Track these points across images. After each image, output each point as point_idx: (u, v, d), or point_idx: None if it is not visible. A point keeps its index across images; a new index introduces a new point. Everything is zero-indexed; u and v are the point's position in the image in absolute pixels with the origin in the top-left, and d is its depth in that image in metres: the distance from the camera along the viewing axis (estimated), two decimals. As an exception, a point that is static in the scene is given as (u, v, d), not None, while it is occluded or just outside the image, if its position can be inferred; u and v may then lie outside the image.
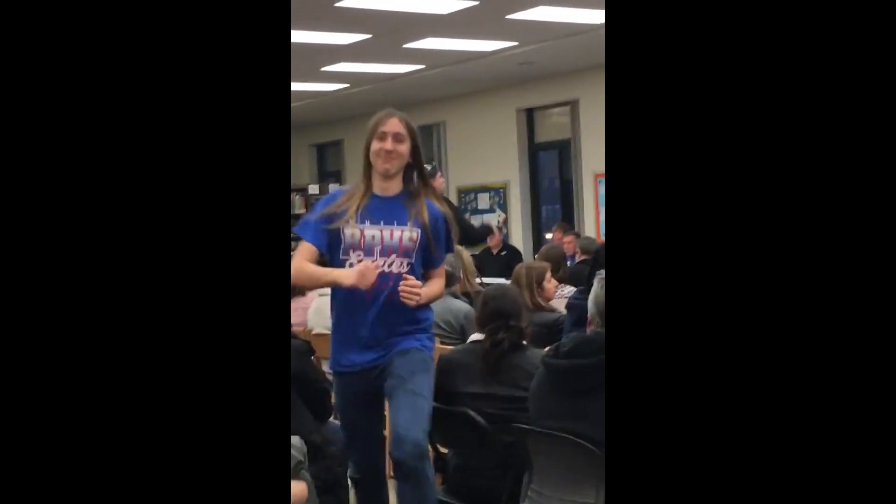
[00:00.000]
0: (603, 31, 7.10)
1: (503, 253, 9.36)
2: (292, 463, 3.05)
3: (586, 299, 2.87)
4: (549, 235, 10.90)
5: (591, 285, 2.89)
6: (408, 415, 3.17)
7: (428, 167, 6.93)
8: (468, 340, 3.68)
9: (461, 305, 5.11)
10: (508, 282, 4.97)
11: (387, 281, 3.24)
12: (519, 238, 11.65)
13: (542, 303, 4.79)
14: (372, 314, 3.27)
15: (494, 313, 3.45)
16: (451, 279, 5.22)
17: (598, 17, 8.10)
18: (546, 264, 5.07)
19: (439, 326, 5.00)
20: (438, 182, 7.00)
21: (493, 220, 11.64)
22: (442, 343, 4.76)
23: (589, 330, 2.84)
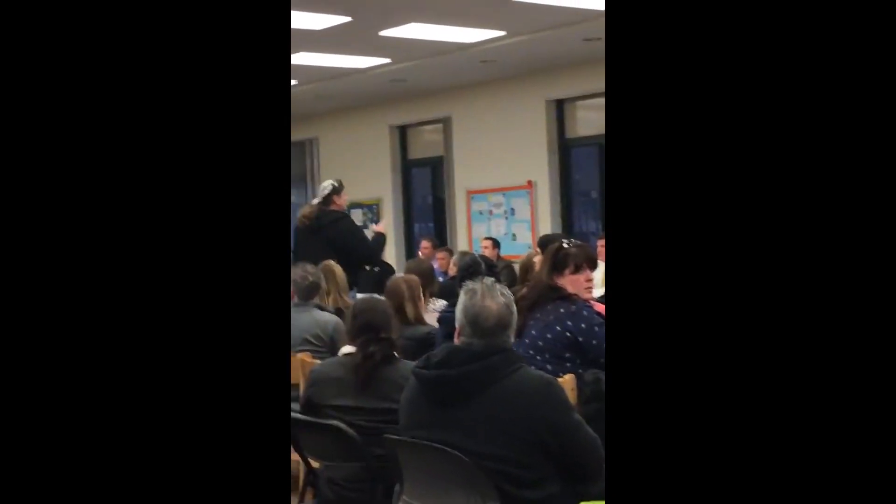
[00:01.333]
0: (472, 51, 7.14)
1: (376, 269, 9.35)
2: None
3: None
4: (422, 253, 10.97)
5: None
6: None
7: (334, 183, 6.91)
8: (339, 353, 3.67)
9: (329, 317, 5.10)
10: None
11: None
12: (392, 254, 11.67)
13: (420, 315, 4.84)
14: None
15: (365, 326, 3.45)
16: (315, 290, 5.21)
17: (468, 35, 8.21)
18: (417, 278, 5.10)
19: (309, 341, 4.98)
20: (343, 199, 6.97)
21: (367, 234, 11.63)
22: (312, 357, 4.74)
23: (458, 341, 2.87)
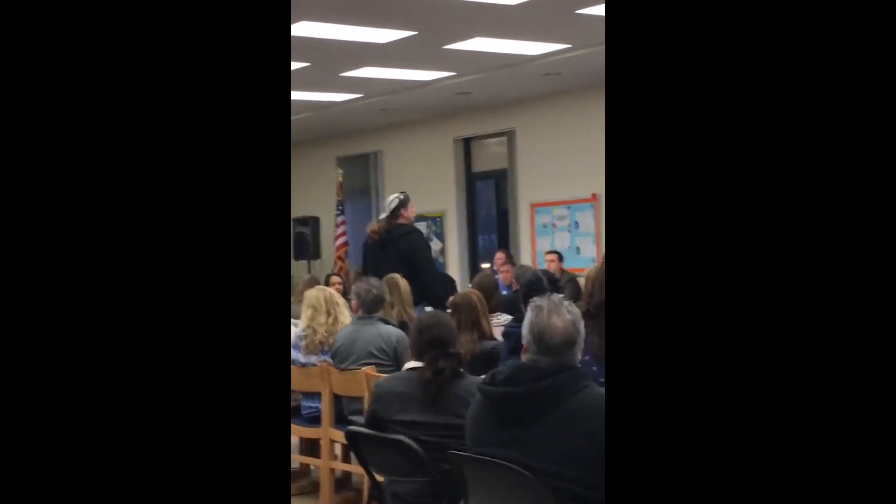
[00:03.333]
0: (536, 63, 7.08)
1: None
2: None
3: (521, 327, 2.89)
4: (485, 265, 10.94)
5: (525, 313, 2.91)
6: None
7: (400, 196, 6.94)
8: (404, 368, 3.68)
9: (393, 331, 5.11)
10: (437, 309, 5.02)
11: None
12: (456, 267, 11.68)
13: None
14: None
15: (432, 341, 3.45)
16: (379, 303, 5.23)
17: (533, 48, 8.20)
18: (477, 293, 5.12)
19: (373, 354, 5.00)
20: (410, 211, 6.97)
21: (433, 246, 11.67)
22: (377, 370, 4.76)
23: (524, 357, 2.86)
